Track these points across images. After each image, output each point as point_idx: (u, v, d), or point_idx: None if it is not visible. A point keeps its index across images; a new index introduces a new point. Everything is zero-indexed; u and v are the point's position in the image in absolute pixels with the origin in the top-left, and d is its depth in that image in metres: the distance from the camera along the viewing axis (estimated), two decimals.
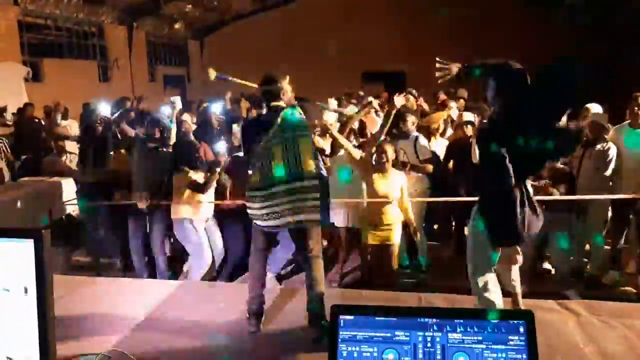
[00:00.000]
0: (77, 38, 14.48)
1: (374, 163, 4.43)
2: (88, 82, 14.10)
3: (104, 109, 6.48)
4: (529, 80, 2.70)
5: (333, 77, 15.65)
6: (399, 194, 4.42)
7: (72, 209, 5.81)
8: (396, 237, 4.48)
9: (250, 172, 3.28)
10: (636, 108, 4.77)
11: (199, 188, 4.67)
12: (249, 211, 3.25)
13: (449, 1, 15.57)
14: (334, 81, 14.23)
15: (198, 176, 4.71)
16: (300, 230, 3.17)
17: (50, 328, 1.26)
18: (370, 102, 4.64)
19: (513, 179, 2.61)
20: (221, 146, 4.93)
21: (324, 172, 3.22)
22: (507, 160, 2.59)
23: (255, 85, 3.63)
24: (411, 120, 5.16)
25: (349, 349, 1.27)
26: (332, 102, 6.40)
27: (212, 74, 4.19)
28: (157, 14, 16.34)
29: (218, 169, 4.69)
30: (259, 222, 3.21)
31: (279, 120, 3.11)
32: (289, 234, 3.34)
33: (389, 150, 4.38)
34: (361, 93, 10.48)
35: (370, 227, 4.45)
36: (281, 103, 3.21)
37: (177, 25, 17.54)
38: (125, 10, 15.20)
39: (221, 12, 18.73)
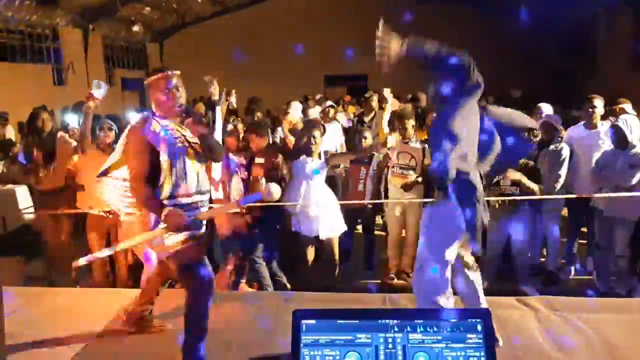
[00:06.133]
0: (30, 41, 14.00)
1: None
2: (42, 86, 13.65)
3: (71, 118, 5.96)
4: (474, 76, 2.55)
5: (295, 80, 15.67)
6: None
7: (28, 218, 5.59)
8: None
9: None
10: (590, 110, 4.93)
11: None
12: None
13: (409, 5, 15.78)
14: (295, 84, 14.24)
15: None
16: None
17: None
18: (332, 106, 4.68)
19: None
20: None
21: None
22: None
23: None
24: (411, 124, 4.99)
25: (312, 353, 1.26)
26: (297, 106, 6.33)
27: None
28: (114, 16, 15.97)
29: None
30: None
31: None
32: None
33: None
34: (319, 96, 10.54)
35: None
36: None
37: (135, 28, 17.17)
38: (81, 12, 14.79)
39: (180, 14, 18.47)
